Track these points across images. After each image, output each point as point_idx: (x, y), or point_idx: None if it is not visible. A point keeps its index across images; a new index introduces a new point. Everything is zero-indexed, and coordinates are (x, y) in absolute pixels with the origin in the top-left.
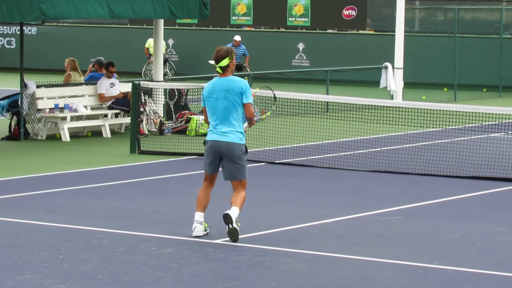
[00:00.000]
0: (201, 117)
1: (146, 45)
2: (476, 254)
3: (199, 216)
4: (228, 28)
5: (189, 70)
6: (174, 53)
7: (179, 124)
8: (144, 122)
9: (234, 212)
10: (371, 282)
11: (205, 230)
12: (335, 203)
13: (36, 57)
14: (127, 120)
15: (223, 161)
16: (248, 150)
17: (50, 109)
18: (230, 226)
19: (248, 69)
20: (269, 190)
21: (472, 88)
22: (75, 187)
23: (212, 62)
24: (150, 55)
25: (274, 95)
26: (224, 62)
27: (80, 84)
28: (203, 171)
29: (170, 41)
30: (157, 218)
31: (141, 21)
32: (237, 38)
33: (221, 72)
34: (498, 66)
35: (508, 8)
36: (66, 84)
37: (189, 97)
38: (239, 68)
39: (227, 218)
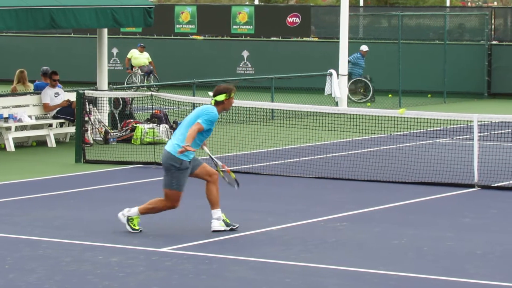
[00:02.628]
0: (146, 126)
1: (128, 56)
2: (422, 259)
3: (215, 213)
4: (172, 37)
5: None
6: (119, 62)
7: (124, 133)
8: (89, 131)
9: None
10: None
11: (228, 224)
12: (281, 210)
13: None
14: (72, 129)
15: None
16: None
17: None
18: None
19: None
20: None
21: (417, 94)
22: (20, 197)
23: (210, 93)
24: (132, 66)
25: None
26: (220, 98)
27: (25, 94)
28: (151, 179)
29: (114, 50)
30: (102, 227)
31: (85, 30)
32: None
33: (213, 104)
34: (442, 72)
35: (452, 14)
36: (10, 94)
37: (134, 106)
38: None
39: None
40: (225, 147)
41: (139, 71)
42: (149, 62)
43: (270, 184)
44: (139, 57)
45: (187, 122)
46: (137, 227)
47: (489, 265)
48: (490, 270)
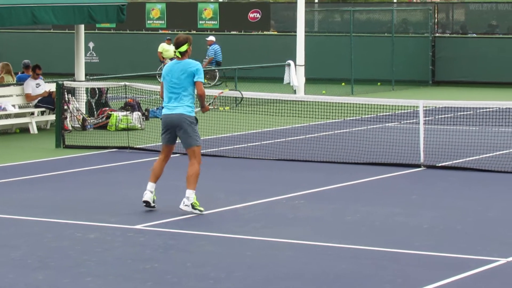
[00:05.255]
0: (121, 113)
1: (159, 49)
2: (373, 233)
3: (150, 186)
4: (144, 31)
5: (109, 70)
6: (95, 55)
7: (100, 120)
8: (68, 119)
9: (188, 199)
10: (278, 261)
11: (153, 202)
12: (245, 189)
13: None
14: (52, 117)
15: (177, 132)
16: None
17: None
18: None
19: None
20: (183, 179)
21: (367, 83)
22: (5, 180)
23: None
24: (164, 58)
25: (242, 96)
26: (183, 48)
27: (8, 85)
28: (126, 162)
29: (91, 44)
30: (81, 206)
31: (64, 26)
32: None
33: (180, 56)
34: (390, 62)
35: (399, 9)
36: None
37: (109, 95)
38: None
39: (183, 211)
40: (220, 110)
41: (168, 61)
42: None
43: (234, 166)
44: (169, 50)
45: (179, 83)
46: (201, 208)
47: (434, 238)
48: (435, 242)
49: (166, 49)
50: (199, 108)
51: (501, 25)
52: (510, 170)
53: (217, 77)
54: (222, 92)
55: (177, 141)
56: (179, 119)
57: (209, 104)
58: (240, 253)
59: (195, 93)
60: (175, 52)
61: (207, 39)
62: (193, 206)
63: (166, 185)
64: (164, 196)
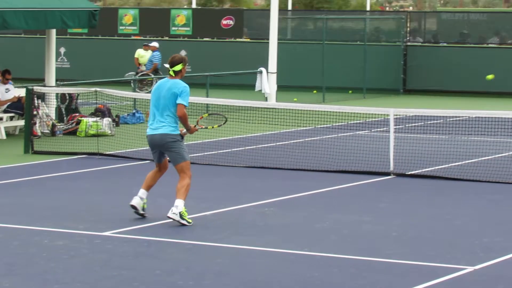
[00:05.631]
0: (91, 119)
1: (136, 55)
2: (342, 241)
3: (141, 192)
4: (116, 37)
5: (80, 76)
6: (66, 60)
7: (70, 126)
8: (37, 124)
9: (177, 208)
10: (247, 268)
11: (143, 209)
12: (215, 197)
13: None
14: (21, 122)
15: (163, 151)
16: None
17: None
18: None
19: None
20: (153, 186)
21: (339, 90)
22: None
23: (167, 65)
24: (140, 64)
25: (225, 119)
26: (177, 67)
27: None
28: (95, 168)
29: (62, 49)
30: (49, 213)
31: (35, 30)
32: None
33: (173, 75)
34: (362, 70)
35: (372, 17)
36: None
37: (79, 100)
38: None
39: (171, 220)
40: (209, 129)
41: (143, 68)
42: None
43: (205, 173)
44: (145, 55)
45: (163, 102)
46: (190, 220)
47: (403, 246)
48: (404, 250)
49: (142, 55)
50: (185, 130)
51: (472, 35)
52: (479, 179)
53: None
54: (202, 117)
55: None
56: (161, 139)
57: (195, 125)
58: (210, 260)
59: None
60: (169, 70)
61: (150, 44)
62: (181, 215)
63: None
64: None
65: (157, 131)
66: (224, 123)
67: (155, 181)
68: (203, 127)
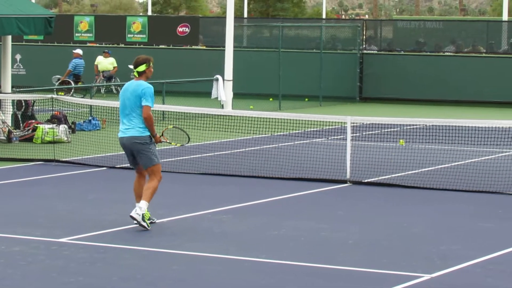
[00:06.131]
0: (47, 126)
1: (96, 62)
2: (299, 248)
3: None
4: (72, 44)
5: (36, 82)
6: (22, 67)
7: (26, 133)
8: None
9: (140, 209)
10: (203, 275)
11: (149, 219)
12: (171, 203)
13: None
14: None
15: (134, 153)
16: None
17: None
18: (140, 225)
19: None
20: (110, 192)
21: (295, 98)
22: None
23: (131, 66)
24: (98, 71)
25: (189, 138)
26: (141, 68)
27: None
28: (52, 175)
29: (18, 56)
30: (5, 219)
31: None
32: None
33: (137, 76)
34: (318, 78)
35: (328, 25)
36: None
37: (35, 107)
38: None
39: (133, 219)
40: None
41: (101, 75)
42: (114, 67)
43: (161, 180)
44: (102, 62)
45: (128, 104)
46: (148, 225)
47: (360, 253)
48: (360, 258)
49: (100, 61)
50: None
51: (428, 43)
52: (435, 187)
53: (72, 91)
54: (167, 128)
55: None
56: (130, 142)
57: (160, 136)
58: (167, 267)
59: None
60: (133, 71)
61: (74, 51)
62: (143, 217)
63: (98, 198)
64: (91, 209)
65: (125, 134)
66: (187, 143)
67: (142, 187)
68: (167, 141)
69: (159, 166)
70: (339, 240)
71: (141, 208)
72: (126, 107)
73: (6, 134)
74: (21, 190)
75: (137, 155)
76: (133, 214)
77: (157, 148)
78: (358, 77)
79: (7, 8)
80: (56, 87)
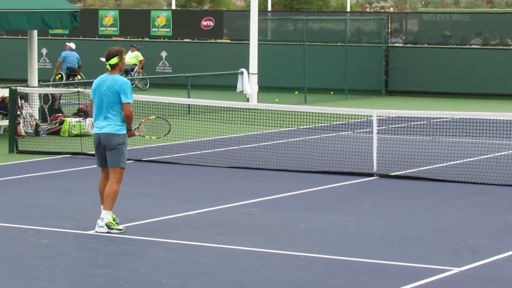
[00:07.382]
0: (74, 119)
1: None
2: (326, 241)
3: (103, 213)
4: (96, 38)
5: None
6: (48, 61)
7: (53, 126)
8: (21, 124)
9: (102, 220)
10: (232, 268)
11: (114, 219)
12: (198, 196)
13: None
14: (5, 122)
15: (105, 151)
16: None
17: None
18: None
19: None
20: (137, 186)
21: (320, 92)
22: None
23: (103, 59)
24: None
25: (169, 126)
26: (113, 61)
27: None
28: (78, 168)
29: (44, 50)
30: (34, 211)
31: (17, 31)
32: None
33: (110, 69)
34: (344, 71)
35: (352, 18)
36: None
37: (62, 101)
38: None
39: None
40: (146, 139)
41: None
42: (140, 61)
43: (188, 173)
44: (126, 56)
45: (106, 100)
46: (120, 227)
47: (387, 246)
48: (388, 251)
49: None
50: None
51: (454, 36)
52: (462, 180)
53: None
54: (147, 118)
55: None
56: (106, 139)
57: (135, 129)
58: (195, 260)
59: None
60: (105, 64)
61: (67, 44)
62: (108, 226)
63: (126, 191)
64: (119, 202)
65: (102, 130)
66: (165, 135)
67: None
68: (141, 134)
69: (123, 170)
70: (366, 233)
71: (102, 219)
72: (103, 103)
73: (33, 128)
74: (48, 183)
75: (109, 153)
76: (97, 229)
77: (160, 145)
78: (383, 70)
79: (32, 2)
80: (56, 83)
